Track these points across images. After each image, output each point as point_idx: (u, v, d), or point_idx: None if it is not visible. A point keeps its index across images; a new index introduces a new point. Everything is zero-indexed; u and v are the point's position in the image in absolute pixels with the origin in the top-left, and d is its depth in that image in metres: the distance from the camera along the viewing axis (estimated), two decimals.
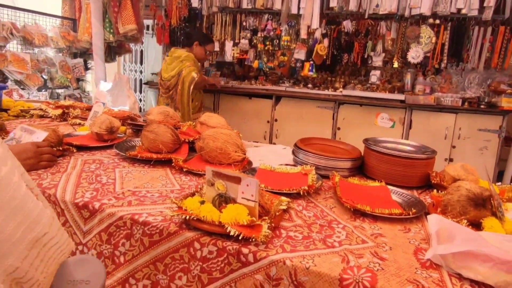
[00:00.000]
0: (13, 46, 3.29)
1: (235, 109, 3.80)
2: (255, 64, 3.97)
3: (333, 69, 4.09)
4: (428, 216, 0.82)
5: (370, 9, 3.39)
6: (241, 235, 0.71)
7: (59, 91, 3.83)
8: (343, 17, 3.66)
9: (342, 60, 3.81)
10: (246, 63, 4.09)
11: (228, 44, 4.02)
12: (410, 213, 0.93)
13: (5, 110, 2.00)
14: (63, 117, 1.96)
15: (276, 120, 3.69)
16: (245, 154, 1.35)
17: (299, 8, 3.64)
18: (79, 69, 4.00)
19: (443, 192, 1.10)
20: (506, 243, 0.71)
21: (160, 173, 1.18)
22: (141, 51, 6.78)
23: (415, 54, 3.41)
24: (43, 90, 3.59)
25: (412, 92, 3.52)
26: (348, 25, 3.57)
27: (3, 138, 1.38)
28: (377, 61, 3.59)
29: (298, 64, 3.87)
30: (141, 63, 6.93)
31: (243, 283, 0.70)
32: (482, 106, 3.25)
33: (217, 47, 4.13)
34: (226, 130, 1.39)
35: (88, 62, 4.22)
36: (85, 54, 4.24)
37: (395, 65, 3.60)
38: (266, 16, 3.87)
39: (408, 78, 3.56)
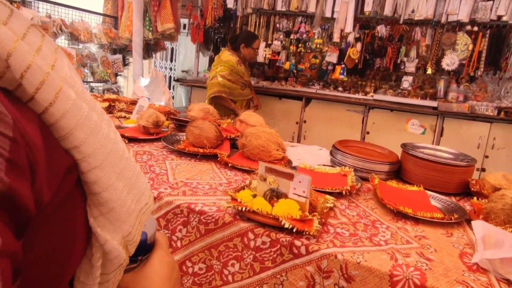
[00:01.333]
0: (61, 41, 3.49)
1: (265, 109, 3.85)
2: (287, 65, 4.02)
3: (363, 73, 4.07)
4: (473, 222, 0.85)
5: (406, 14, 3.36)
6: (295, 228, 0.76)
7: (97, 85, 4.02)
8: (377, 22, 3.65)
9: (374, 64, 3.80)
10: (277, 64, 4.14)
11: (261, 45, 4.08)
12: (453, 218, 0.96)
13: None
14: (109, 110, 2.08)
15: (305, 122, 3.72)
16: (285, 152, 1.41)
17: (333, 12, 3.65)
18: (118, 65, 4.19)
19: (484, 200, 1.11)
20: None
21: (207, 167, 1.25)
22: (172, 49, 6.98)
23: (450, 61, 3.36)
24: (85, 84, 3.78)
25: (444, 99, 3.46)
26: (382, 30, 3.55)
27: None
28: (410, 66, 3.55)
29: (330, 67, 3.88)
30: (171, 60, 7.13)
31: (294, 273, 0.76)
32: None
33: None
34: (267, 128, 1.45)
35: (126, 58, 4.41)
36: (124, 50, 4.43)
37: (429, 71, 3.55)
38: (299, 19, 3.91)
39: (441, 85, 3.50)
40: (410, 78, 3.56)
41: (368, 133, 3.55)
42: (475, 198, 1.17)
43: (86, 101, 0.29)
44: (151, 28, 3.92)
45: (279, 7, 3.87)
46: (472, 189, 1.27)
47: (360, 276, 0.70)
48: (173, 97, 6.89)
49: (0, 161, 0.21)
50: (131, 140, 1.47)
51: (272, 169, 0.88)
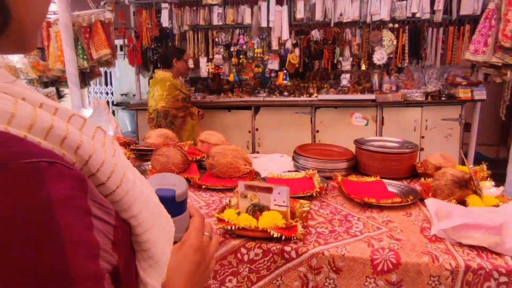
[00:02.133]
0: None
1: (216, 123, 3.91)
2: (231, 77, 4.11)
3: (304, 76, 4.31)
4: (426, 200, 0.99)
5: (335, 18, 3.65)
6: (283, 236, 0.84)
7: None
8: (311, 27, 3.90)
9: (313, 66, 4.04)
10: (222, 77, 4.22)
11: (202, 60, 4.14)
12: (409, 200, 1.11)
13: None
14: None
15: (257, 130, 3.84)
16: (251, 166, 1.49)
17: (268, 21, 3.83)
18: (52, 98, 3.96)
19: (429, 179, 1.29)
20: (489, 214, 0.89)
21: None
22: (105, 72, 6.72)
23: (379, 56, 3.70)
24: None
25: (380, 91, 3.79)
26: (316, 34, 3.80)
27: None
28: (346, 65, 3.84)
29: (273, 74, 4.05)
30: (106, 84, 6.85)
31: (289, 276, 0.83)
32: (443, 98, 3.58)
33: (191, 64, 4.23)
34: (232, 146, 1.52)
35: (60, 90, 4.18)
36: (57, 82, 4.20)
37: (363, 67, 3.87)
38: (237, 31, 4.03)
39: (375, 78, 3.84)
40: (348, 76, 3.85)
41: (317, 131, 3.77)
42: (422, 178, 1.34)
43: (131, 171, 0.34)
44: (85, 56, 3.78)
45: (216, 21, 3.95)
46: (418, 171, 1.46)
47: (347, 266, 0.79)
48: None
49: (108, 243, 0.29)
50: None
51: (251, 186, 0.94)
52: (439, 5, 3.40)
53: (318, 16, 3.68)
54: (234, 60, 4.09)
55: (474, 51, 2.71)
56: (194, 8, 4.02)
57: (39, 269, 0.24)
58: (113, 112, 6.85)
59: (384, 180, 1.37)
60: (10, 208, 0.24)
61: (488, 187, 1.14)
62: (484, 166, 1.36)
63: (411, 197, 1.13)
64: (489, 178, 1.25)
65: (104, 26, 3.85)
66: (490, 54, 2.54)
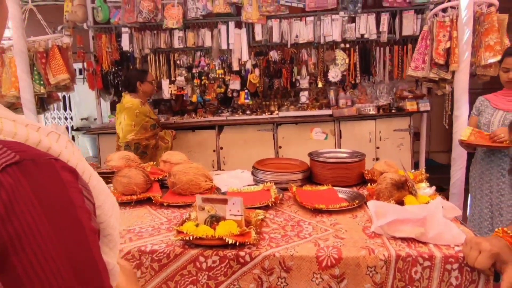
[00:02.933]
0: None
1: (180, 143, 3.93)
2: (194, 98, 4.18)
3: (265, 94, 4.47)
4: (368, 202, 1.11)
5: (291, 39, 3.86)
6: (237, 242, 0.91)
7: None
8: (269, 48, 4.09)
9: (273, 85, 4.21)
10: (184, 98, 4.27)
11: (165, 82, 4.18)
12: (355, 204, 1.22)
13: None
14: None
15: (221, 148, 3.91)
16: (212, 182, 1.55)
17: (228, 44, 3.97)
18: None
19: (374, 184, 1.42)
20: (417, 209, 1.02)
21: (143, 212, 1.32)
22: (64, 97, 6.54)
23: (334, 74, 3.94)
24: None
25: (337, 106, 4.02)
26: (274, 54, 3.99)
27: None
28: (304, 83, 4.05)
29: (235, 94, 4.17)
30: (65, 109, 6.66)
31: (244, 279, 0.89)
32: (393, 111, 3.86)
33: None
34: (193, 164, 1.58)
35: None
36: (11, 108, 4.05)
37: (319, 85, 4.09)
38: (198, 53, 4.14)
39: (331, 95, 4.07)
40: (306, 93, 4.05)
41: (280, 147, 3.90)
42: (369, 184, 1.47)
43: (95, 174, 0.46)
44: (42, 82, 3.72)
45: (177, 44, 4.04)
46: (366, 177, 1.59)
47: (296, 265, 0.87)
48: None
49: (93, 213, 0.41)
50: None
51: (208, 199, 1.01)
52: (384, 27, 3.72)
53: (276, 38, 3.88)
54: (196, 81, 4.18)
55: (415, 68, 2.99)
56: (155, 32, 4.10)
57: (64, 221, 0.37)
58: (73, 138, 6.65)
59: (336, 188, 1.48)
60: (46, 184, 0.37)
61: (423, 188, 1.29)
62: (423, 171, 1.51)
63: (357, 201, 1.25)
64: (425, 180, 1.40)
65: (62, 50, 3.82)
66: (428, 70, 2.82)
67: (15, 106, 4.06)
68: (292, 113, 3.93)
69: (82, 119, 6.49)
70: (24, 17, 4.42)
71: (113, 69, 4.30)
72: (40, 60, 3.70)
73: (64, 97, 6.46)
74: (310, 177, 1.66)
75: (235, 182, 1.74)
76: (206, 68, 4.15)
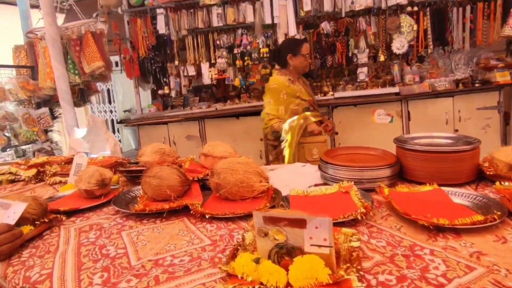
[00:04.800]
0: None
1: (224, 132, 3.55)
2: (236, 82, 3.76)
3: (315, 73, 3.94)
4: None
5: (346, 7, 3.28)
6: None
7: (26, 147, 3.45)
8: (320, 19, 3.54)
9: (326, 63, 3.67)
10: (226, 82, 3.87)
11: (204, 66, 3.80)
12: (496, 217, 0.72)
13: None
14: (39, 177, 1.64)
15: None
16: (268, 182, 1.11)
17: (272, 18, 3.49)
18: (46, 120, 3.65)
19: (507, 183, 0.91)
20: None
21: (179, 227, 0.91)
22: (108, 90, 6.46)
23: (399, 45, 3.32)
24: (8, 150, 3.21)
25: (403, 83, 3.40)
26: (326, 26, 3.44)
27: None
28: (362, 57, 3.47)
29: None
30: (109, 102, 6.58)
31: None
32: (476, 85, 3.17)
33: (192, 71, 3.90)
34: (242, 158, 1.14)
35: (54, 110, 3.87)
36: (50, 102, 3.89)
37: (381, 58, 3.48)
38: (239, 31, 3.69)
39: (396, 70, 3.45)
40: (365, 69, 3.47)
41: (337, 133, 3.37)
42: (497, 183, 0.94)
43: None
44: (76, 71, 3.48)
45: (215, 23, 3.63)
46: (488, 172, 1.06)
47: None
48: (120, 140, 6.34)
49: None
50: (70, 213, 1.07)
51: (273, 218, 0.57)
52: None
53: (327, 7, 3.32)
54: (238, 63, 3.75)
55: None
56: (191, 10, 3.71)
57: None
58: (118, 130, 6.57)
59: (444, 189, 0.98)
60: None
61: None
62: None
63: (498, 212, 0.75)
64: None
65: (96, 37, 3.56)
66: None
67: (54, 100, 3.89)
68: (349, 93, 3.38)
69: (124, 111, 6.35)
70: (56, 4, 4.24)
71: (150, 55, 3.99)
72: (74, 48, 3.47)
73: (108, 90, 6.39)
74: (400, 173, 1.17)
75: (297, 180, 1.29)
76: (248, 47, 3.70)
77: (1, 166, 1.98)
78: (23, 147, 3.36)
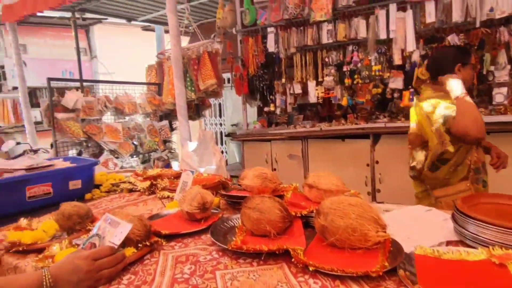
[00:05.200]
0: (107, 118, 3.45)
1: (328, 154, 3.38)
2: (344, 101, 3.57)
3: None
4: None
5: (483, 15, 2.80)
6: None
7: (148, 155, 3.90)
8: (446, 32, 3.10)
9: None
10: (333, 101, 3.71)
11: (311, 84, 3.73)
12: None
13: (98, 186, 1.90)
14: (151, 189, 1.77)
15: (377, 162, 3.15)
16: (386, 231, 0.92)
17: (388, 32, 3.21)
18: (165, 131, 4.07)
19: None
20: None
21: (277, 276, 0.81)
22: (219, 104, 6.95)
23: None
24: (135, 156, 3.66)
25: None
26: (454, 39, 2.99)
27: (88, 230, 1.18)
28: (501, 75, 2.89)
29: (395, 95, 3.35)
30: (220, 115, 7.07)
31: None
32: None
33: (299, 89, 3.86)
34: (354, 199, 0.98)
35: (172, 123, 4.30)
36: (170, 115, 4.35)
37: None
38: (350, 48, 3.51)
39: None
40: (504, 90, 2.88)
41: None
42: None
43: None
44: (193, 88, 3.79)
45: (325, 40, 3.53)
46: None
47: None
48: (226, 152, 6.72)
49: None
50: (170, 237, 1.08)
51: None
52: None
53: (457, 17, 2.89)
54: (347, 81, 3.56)
55: None
56: (301, 28, 3.69)
57: None
58: (225, 142, 7.00)
59: None
60: None
61: None
62: None
63: None
64: None
65: (212, 56, 3.83)
66: None
67: (173, 113, 4.34)
68: (484, 118, 2.83)
69: (232, 125, 6.73)
70: (189, 30, 4.75)
71: (259, 73, 4.12)
72: (193, 67, 3.79)
73: (219, 104, 6.88)
74: None
75: (422, 231, 1.06)
76: (359, 65, 3.48)
77: (125, 173, 2.23)
78: (146, 154, 3.81)
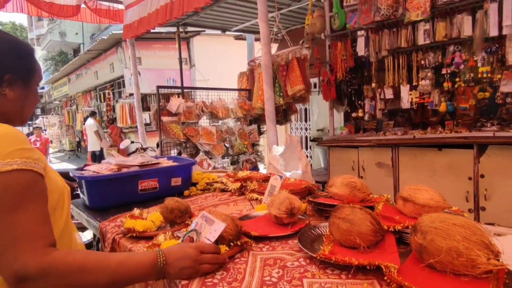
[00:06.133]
0: (203, 121, 3.78)
1: (421, 165, 3.13)
2: (442, 107, 3.26)
3: None
4: None
5: None
6: None
7: (238, 157, 4.13)
8: None
9: None
10: (429, 107, 3.42)
11: (404, 89, 3.50)
12: None
13: (194, 184, 2.11)
14: (241, 190, 1.90)
15: (482, 176, 2.80)
16: (499, 259, 0.82)
17: (500, 28, 2.83)
18: (254, 135, 4.26)
19: None
20: None
21: None
22: (305, 109, 6.97)
23: None
24: (226, 158, 3.92)
25: None
26: None
27: (187, 225, 1.33)
28: None
29: (508, 99, 2.94)
30: (305, 120, 7.09)
31: None
32: None
33: (390, 94, 3.67)
34: (458, 217, 0.90)
35: (261, 127, 4.48)
36: (259, 120, 4.54)
37: None
38: (451, 48, 3.20)
39: None
40: None
41: None
42: None
43: None
44: (281, 94, 3.90)
45: (421, 41, 3.28)
46: None
47: None
48: (311, 157, 6.70)
49: None
50: (259, 239, 1.16)
51: None
52: None
53: None
54: (446, 85, 3.25)
55: None
56: (394, 29, 3.50)
57: None
58: (310, 147, 7.00)
59: None
60: None
61: None
62: None
63: None
64: None
65: (300, 62, 3.89)
66: None
67: (261, 118, 4.52)
68: None
69: (318, 130, 6.70)
70: (277, 37, 4.91)
71: (347, 78, 4.03)
72: (281, 73, 3.91)
73: (305, 109, 6.92)
74: None
75: None
76: (462, 67, 3.15)
77: (217, 173, 2.42)
78: (235, 156, 4.05)
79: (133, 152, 3.41)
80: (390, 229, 1.06)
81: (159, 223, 1.37)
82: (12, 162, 0.73)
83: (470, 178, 2.83)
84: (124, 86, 10.84)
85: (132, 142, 5.45)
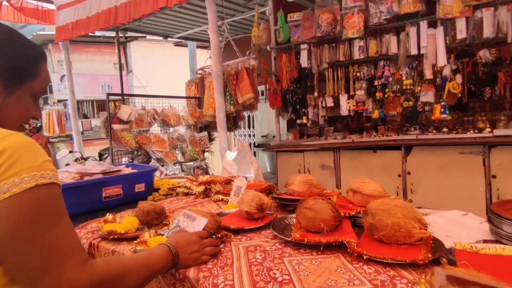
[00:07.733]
0: (154, 129, 3.78)
1: (359, 165, 3.53)
2: (376, 114, 3.71)
3: (466, 108, 3.55)
4: None
5: None
6: None
7: (189, 163, 4.19)
8: (477, 47, 3.21)
9: (483, 95, 3.28)
10: (364, 114, 3.86)
11: (343, 98, 3.90)
12: None
13: (157, 190, 2.17)
14: (206, 193, 2.01)
15: (409, 173, 3.26)
16: (427, 229, 1.09)
17: (419, 48, 3.35)
18: (205, 142, 4.36)
19: None
20: None
21: (336, 263, 1.00)
22: (249, 116, 7.22)
23: None
24: (177, 165, 3.96)
25: None
26: (485, 54, 3.09)
27: (165, 225, 1.42)
28: None
29: (426, 108, 3.46)
30: (249, 127, 7.34)
31: None
32: None
33: (331, 102, 4.05)
34: (399, 201, 1.16)
35: (211, 134, 4.59)
36: (209, 127, 4.64)
37: None
38: (381, 63, 3.67)
39: None
40: None
41: (494, 177, 2.94)
42: None
43: None
44: (232, 102, 4.06)
45: (357, 55, 3.71)
46: None
47: None
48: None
49: None
50: (237, 231, 1.30)
51: (460, 280, 0.59)
52: None
53: (488, 33, 2.99)
54: (378, 95, 3.71)
55: None
56: (333, 44, 3.89)
57: None
58: (255, 153, 7.25)
59: None
60: None
61: None
62: None
63: None
64: None
65: (249, 72, 4.10)
66: None
67: (212, 125, 4.64)
68: None
69: (262, 136, 6.97)
70: (221, 46, 5.06)
71: (292, 87, 4.34)
72: (232, 82, 4.08)
73: (248, 116, 7.15)
74: None
75: (459, 232, 1.22)
76: (390, 79, 3.63)
77: (178, 179, 2.49)
78: (187, 163, 4.11)
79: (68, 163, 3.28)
80: (346, 215, 1.28)
81: (136, 225, 1.44)
82: (45, 174, 0.70)
83: (399, 175, 3.28)
84: (51, 92, 10.05)
85: (71, 151, 5.16)
